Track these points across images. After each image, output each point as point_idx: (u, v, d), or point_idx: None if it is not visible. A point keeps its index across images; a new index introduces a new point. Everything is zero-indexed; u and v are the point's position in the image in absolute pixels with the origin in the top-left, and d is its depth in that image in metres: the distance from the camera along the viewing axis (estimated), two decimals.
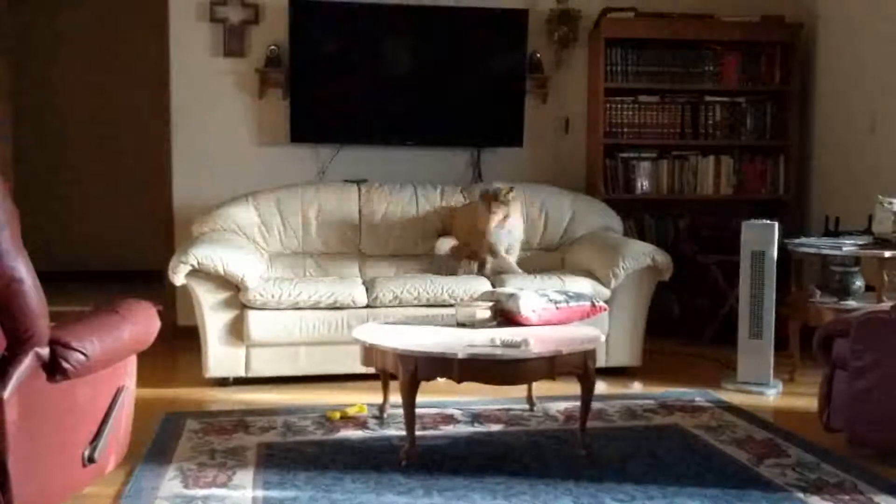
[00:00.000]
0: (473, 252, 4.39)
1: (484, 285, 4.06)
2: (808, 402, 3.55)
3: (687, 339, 4.94)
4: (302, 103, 4.87)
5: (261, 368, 3.97)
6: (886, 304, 3.52)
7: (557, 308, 3.35)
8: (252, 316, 3.91)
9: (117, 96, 7.02)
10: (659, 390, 3.93)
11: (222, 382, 3.99)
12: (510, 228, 4.31)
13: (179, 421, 3.39)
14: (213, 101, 4.94)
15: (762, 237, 3.95)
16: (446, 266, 4.39)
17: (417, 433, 3.03)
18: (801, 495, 2.69)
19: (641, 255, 4.15)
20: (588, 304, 3.47)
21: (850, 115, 4.95)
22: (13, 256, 2.12)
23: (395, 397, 3.07)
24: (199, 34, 4.92)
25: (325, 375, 3.98)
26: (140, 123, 6.54)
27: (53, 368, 2.25)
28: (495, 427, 3.35)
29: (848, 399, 3.03)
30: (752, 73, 5.25)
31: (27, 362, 2.19)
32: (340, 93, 4.95)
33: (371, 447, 3.11)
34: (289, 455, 3.02)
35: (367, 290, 4.05)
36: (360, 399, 3.60)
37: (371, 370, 3.35)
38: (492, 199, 4.28)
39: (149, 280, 5.40)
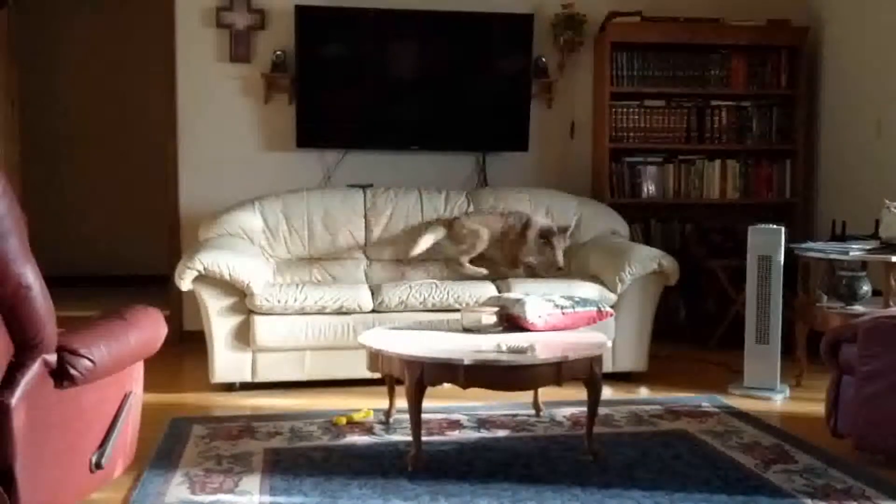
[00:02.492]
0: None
1: (490, 290, 4.06)
2: (815, 407, 3.54)
3: (693, 344, 4.93)
4: (308, 108, 4.88)
5: (267, 373, 3.97)
6: (894, 309, 3.51)
7: (563, 313, 3.35)
8: (258, 321, 3.91)
9: (124, 101, 7.05)
10: (665, 395, 3.93)
11: (229, 387, 3.99)
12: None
13: (186, 426, 3.39)
14: (219, 106, 4.96)
15: (769, 242, 3.94)
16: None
17: (424, 438, 3.04)
18: (808, 501, 2.68)
19: (648, 259, 4.15)
20: (594, 309, 3.47)
21: (857, 119, 4.94)
22: (21, 263, 2.13)
23: (402, 402, 3.08)
24: (206, 39, 4.93)
25: (331, 380, 3.98)
26: (147, 128, 6.56)
27: (61, 375, 2.25)
28: (501, 432, 3.35)
29: (855, 404, 3.02)
30: (759, 77, 5.24)
31: (35, 369, 2.19)
32: (346, 98, 4.97)
33: (377, 452, 3.11)
34: (295, 460, 3.02)
35: (372, 295, 4.06)
36: (367, 404, 3.61)
37: (377, 375, 3.35)
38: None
39: (155, 285, 5.42)
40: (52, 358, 2.24)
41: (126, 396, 2.62)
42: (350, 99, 4.97)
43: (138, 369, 2.73)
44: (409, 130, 5.03)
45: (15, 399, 2.13)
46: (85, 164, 7.12)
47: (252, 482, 2.82)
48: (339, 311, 3.97)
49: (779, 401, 3.90)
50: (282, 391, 3.94)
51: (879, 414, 2.93)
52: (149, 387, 2.94)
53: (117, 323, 2.54)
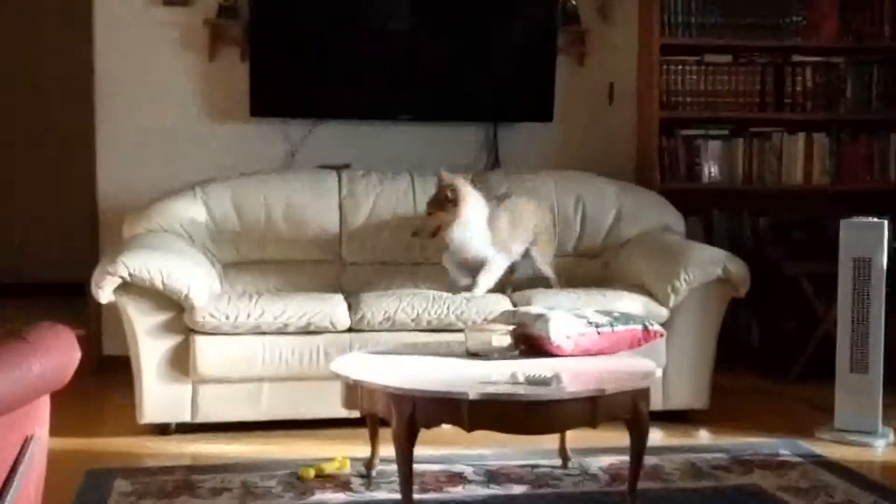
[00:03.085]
0: None
1: (503, 303, 4.07)
2: None
3: (769, 374, 4.93)
4: (266, 66, 4.89)
5: (212, 412, 3.98)
6: None
7: (599, 333, 3.36)
8: (200, 343, 3.92)
9: (28, 60, 7.03)
10: (732, 441, 3.93)
11: (162, 430, 3.99)
12: (458, 237, 4.25)
13: (106, 480, 3.39)
14: (148, 63, 4.97)
15: (867, 239, 3.95)
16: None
17: (416, 496, 3.04)
18: None
19: (709, 263, 4.16)
20: (639, 327, 3.47)
21: None
22: None
23: (387, 450, 3.08)
24: None
25: (295, 421, 3.98)
26: (58, 95, 6.55)
27: None
28: (518, 489, 3.35)
29: None
30: (855, 25, 5.25)
31: None
32: (316, 53, 4.97)
33: None
34: None
35: (350, 308, 4.06)
36: (342, 452, 3.61)
37: (355, 414, 3.35)
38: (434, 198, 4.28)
39: (68, 296, 5.41)
40: None
41: (27, 441, 2.61)
42: (321, 54, 4.97)
43: (44, 406, 2.73)
44: (397, 95, 5.04)
45: None
46: None
47: None
48: (306, 331, 3.97)
49: (881, 448, 3.90)
50: (231, 435, 3.94)
51: None
52: (58, 429, 2.93)
53: (16, 346, 2.53)
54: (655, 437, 3.63)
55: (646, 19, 5.21)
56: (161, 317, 3.93)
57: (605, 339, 3.37)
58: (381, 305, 4.05)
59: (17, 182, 7.13)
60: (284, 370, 3.97)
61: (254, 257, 4.51)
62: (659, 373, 3.24)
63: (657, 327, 3.56)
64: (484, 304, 4.08)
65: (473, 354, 3.31)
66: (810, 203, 5.28)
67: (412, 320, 4.03)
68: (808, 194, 5.30)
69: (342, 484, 3.38)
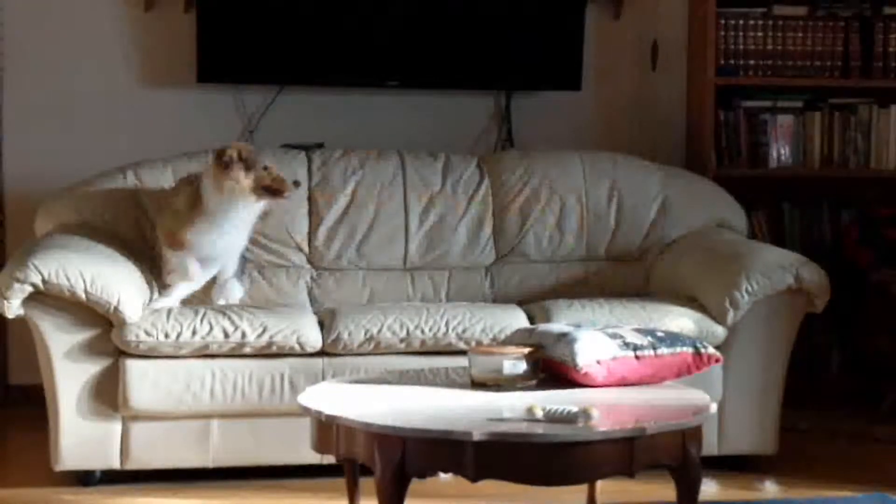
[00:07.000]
0: None
1: (517, 320, 4.08)
2: None
3: (853, 410, 4.94)
4: (217, 18, 4.89)
5: (146, 457, 3.96)
6: None
7: (638, 358, 3.35)
8: (133, 369, 3.91)
9: None
10: (806, 495, 3.93)
11: (83, 479, 3.99)
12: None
13: None
14: (68, 14, 4.97)
15: None
16: None
17: None
18: None
19: (777, 269, 4.15)
20: (689, 350, 3.47)
21: None
22: None
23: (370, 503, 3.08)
24: None
25: (252, 469, 3.99)
26: None
27: None
28: None
29: None
30: None
31: None
32: (279, 3, 4.98)
33: None
34: None
35: (322, 326, 4.07)
36: None
37: (329, 460, 3.35)
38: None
39: None
40: None
41: None
42: (286, 3, 4.99)
43: None
44: (383, 56, 5.04)
45: None
46: None
47: None
48: (267, 353, 3.98)
49: None
50: (171, 486, 3.94)
51: None
52: None
53: None
54: (709, 489, 3.63)
55: None
56: (83, 335, 3.92)
57: (645, 366, 3.37)
58: (361, 322, 4.05)
59: None
60: (239, 404, 3.96)
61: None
62: (714, 408, 3.23)
63: (712, 351, 3.56)
64: (493, 319, 4.09)
65: (479, 384, 3.30)
66: None
67: (401, 341, 4.03)
68: None
69: None
